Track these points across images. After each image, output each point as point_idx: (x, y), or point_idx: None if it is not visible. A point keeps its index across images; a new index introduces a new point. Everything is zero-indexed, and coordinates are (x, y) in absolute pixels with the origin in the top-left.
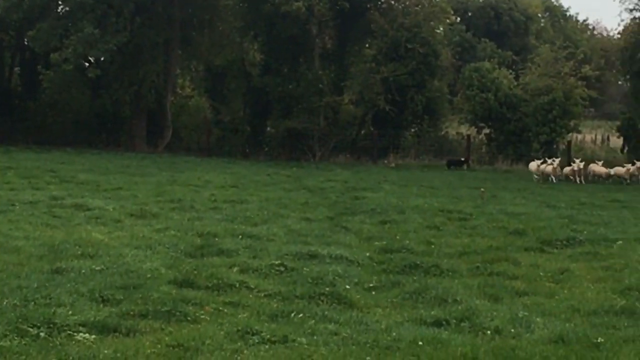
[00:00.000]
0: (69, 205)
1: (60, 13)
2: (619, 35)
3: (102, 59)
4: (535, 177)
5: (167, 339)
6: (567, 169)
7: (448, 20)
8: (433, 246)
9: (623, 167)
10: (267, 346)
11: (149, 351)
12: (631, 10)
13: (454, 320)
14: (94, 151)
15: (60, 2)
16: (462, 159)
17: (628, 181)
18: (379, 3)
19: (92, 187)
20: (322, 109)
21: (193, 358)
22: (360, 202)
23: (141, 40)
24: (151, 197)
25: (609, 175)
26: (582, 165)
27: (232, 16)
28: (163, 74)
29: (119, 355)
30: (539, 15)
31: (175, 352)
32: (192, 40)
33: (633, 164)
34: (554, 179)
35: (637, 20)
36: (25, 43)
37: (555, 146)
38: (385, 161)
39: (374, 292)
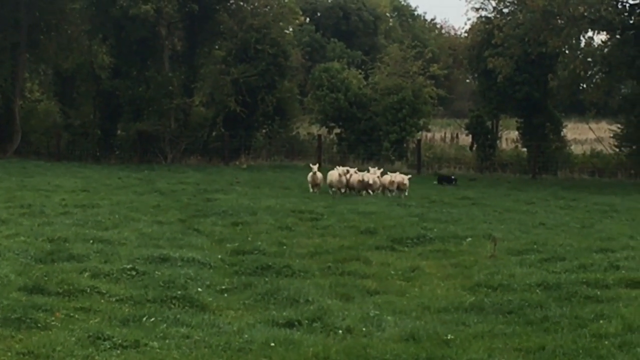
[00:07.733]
0: None
1: None
2: (466, 34)
3: None
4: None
5: (17, 346)
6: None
7: (297, 21)
8: (285, 247)
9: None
10: (118, 351)
11: None
12: (477, 9)
13: (306, 321)
14: None
15: None
16: (453, 177)
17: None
18: (228, 4)
19: None
20: (172, 111)
21: None
22: (212, 204)
23: None
24: (0, 203)
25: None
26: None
27: (80, 19)
28: (11, 78)
29: None
30: (388, 14)
31: None
32: (40, 44)
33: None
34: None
35: (483, 19)
36: None
37: (405, 145)
38: (237, 162)
39: (226, 295)
